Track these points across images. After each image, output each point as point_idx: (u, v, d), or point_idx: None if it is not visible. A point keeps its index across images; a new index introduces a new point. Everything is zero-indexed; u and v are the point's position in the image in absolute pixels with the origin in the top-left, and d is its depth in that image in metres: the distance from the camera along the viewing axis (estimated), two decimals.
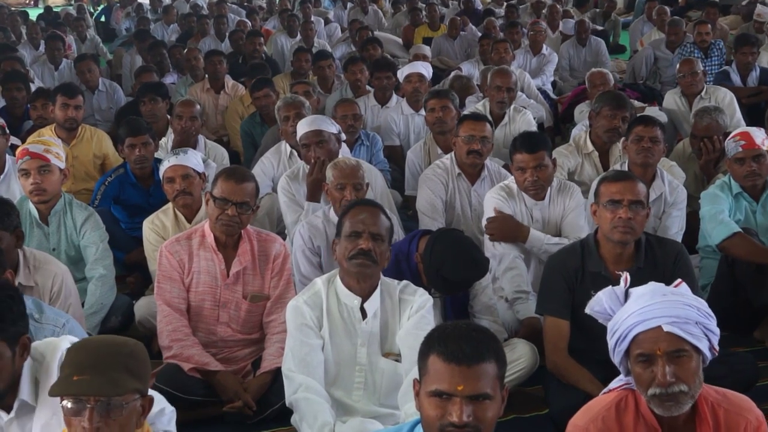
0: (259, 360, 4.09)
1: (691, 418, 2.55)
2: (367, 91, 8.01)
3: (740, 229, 4.58)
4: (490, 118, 5.64)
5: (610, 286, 2.67)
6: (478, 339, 2.33)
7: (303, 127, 5.31)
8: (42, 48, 11.68)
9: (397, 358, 3.50)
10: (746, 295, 4.51)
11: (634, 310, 2.54)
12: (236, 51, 11.05)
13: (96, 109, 8.75)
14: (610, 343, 2.61)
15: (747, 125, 6.70)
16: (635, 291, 2.61)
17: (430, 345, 2.36)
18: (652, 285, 2.61)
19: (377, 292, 3.53)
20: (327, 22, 14.14)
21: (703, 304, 2.56)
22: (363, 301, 3.51)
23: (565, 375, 3.72)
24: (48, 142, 4.93)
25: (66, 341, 2.78)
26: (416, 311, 3.50)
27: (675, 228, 4.89)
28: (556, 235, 4.74)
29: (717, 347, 2.56)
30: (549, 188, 4.77)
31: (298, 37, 11.55)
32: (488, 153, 5.32)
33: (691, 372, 2.48)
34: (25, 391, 2.72)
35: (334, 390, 3.51)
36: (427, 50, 9.68)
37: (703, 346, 2.51)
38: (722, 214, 4.66)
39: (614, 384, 2.66)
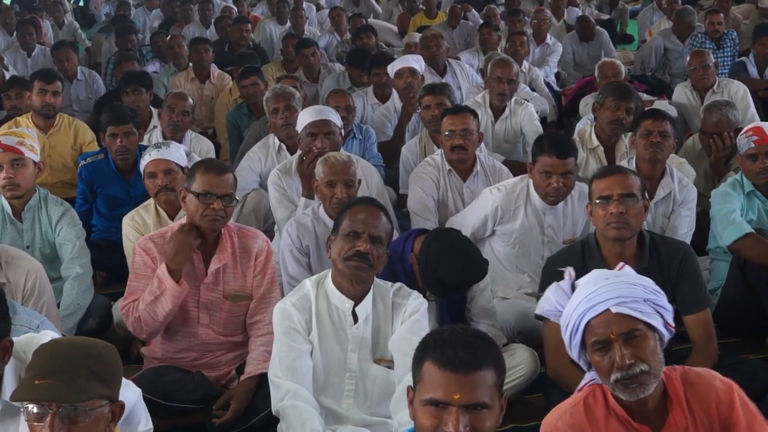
0: (244, 365, 4.08)
1: (662, 405, 2.61)
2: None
3: (753, 230, 4.58)
4: (474, 109, 5.62)
5: (555, 282, 2.74)
6: (476, 345, 2.33)
7: (310, 115, 5.27)
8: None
9: (389, 364, 3.50)
10: (759, 299, 4.52)
11: (580, 298, 2.62)
12: (222, 38, 11.01)
13: (74, 99, 8.72)
14: (565, 338, 2.68)
15: (763, 119, 6.74)
16: (579, 282, 2.69)
17: (424, 351, 2.35)
18: (595, 272, 2.69)
19: (369, 296, 3.52)
20: (319, 8, 14.13)
21: (648, 281, 2.64)
22: (355, 305, 3.50)
23: (566, 382, 3.70)
24: (22, 133, 4.90)
25: (48, 337, 2.76)
26: (410, 315, 3.49)
27: (684, 228, 4.90)
28: (566, 240, 4.70)
29: (672, 324, 2.64)
30: None
31: (288, 24, 11.53)
32: (475, 145, 5.30)
33: (649, 351, 2.55)
34: (8, 393, 2.68)
35: (323, 398, 3.51)
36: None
37: (657, 323, 2.59)
38: (734, 213, 4.67)
39: (583, 382, 2.72)
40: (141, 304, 3.94)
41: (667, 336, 2.64)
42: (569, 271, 2.75)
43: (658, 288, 2.65)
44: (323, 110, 5.38)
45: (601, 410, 2.62)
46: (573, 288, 2.70)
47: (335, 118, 5.30)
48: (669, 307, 2.63)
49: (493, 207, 4.76)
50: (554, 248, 4.71)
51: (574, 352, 2.68)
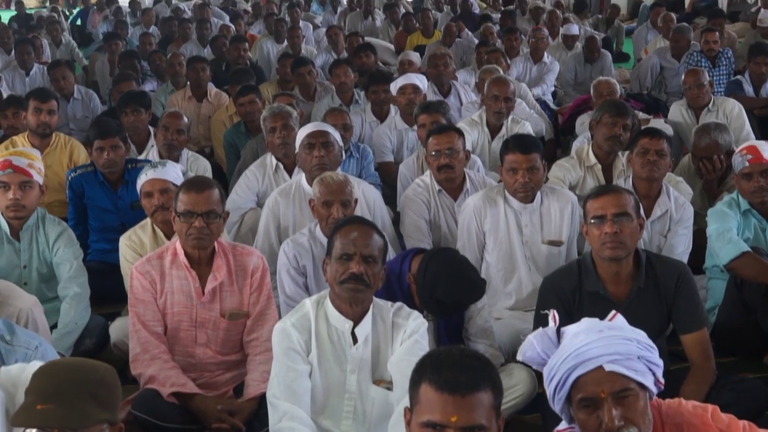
0: (242, 385, 4.07)
1: None
2: (353, 95, 8.10)
3: (749, 249, 4.58)
4: (459, 127, 5.65)
5: (540, 328, 2.55)
6: (473, 366, 2.32)
7: (307, 129, 5.31)
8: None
9: (388, 385, 3.48)
10: (756, 318, 4.52)
11: (570, 351, 2.43)
12: (219, 57, 11.03)
13: (71, 117, 8.74)
14: (549, 390, 2.49)
15: (759, 137, 6.74)
16: (568, 330, 2.50)
17: (421, 373, 2.35)
18: (586, 321, 2.51)
19: (369, 316, 3.50)
20: (315, 27, 14.17)
21: (642, 335, 2.49)
22: (354, 325, 3.49)
23: None
24: (30, 155, 4.91)
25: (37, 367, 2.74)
26: (409, 336, 3.47)
27: (681, 247, 4.90)
28: (549, 240, 4.76)
29: (662, 380, 2.49)
30: (539, 192, 4.81)
31: (285, 42, 11.57)
32: (462, 163, 5.29)
33: (640, 412, 2.39)
34: None
35: (322, 419, 3.50)
36: (414, 56, 9.68)
37: (649, 382, 2.44)
38: (730, 232, 4.67)
39: (562, 427, 2.58)
40: (154, 371, 3.96)
41: (655, 393, 2.49)
42: (553, 314, 2.56)
43: (651, 342, 2.50)
44: (321, 124, 5.44)
45: None
46: (559, 334, 2.52)
47: (334, 132, 5.33)
48: (660, 363, 2.49)
49: (474, 208, 4.83)
50: (534, 249, 4.81)
51: (557, 406, 2.51)
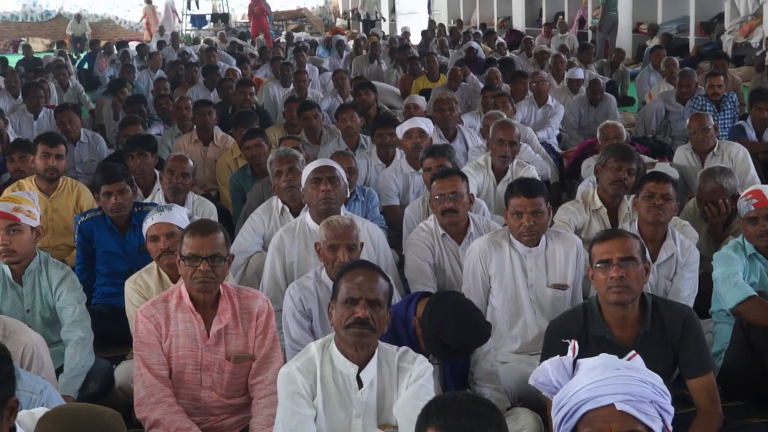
0: (247, 429, 4.06)
1: None
2: (359, 140, 8.15)
3: (755, 293, 4.59)
4: (462, 171, 5.71)
5: (558, 356, 2.56)
6: (479, 412, 2.34)
7: (313, 165, 5.36)
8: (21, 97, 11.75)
9: (394, 430, 3.48)
10: (762, 362, 4.51)
11: (583, 384, 2.44)
12: (225, 101, 11.12)
13: (77, 161, 8.78)
14: (555, 419, 2.49)
15: (764, 182, 6.76)
16: (585, 363, 2.50)
17: (427, 418, 2.36)
18: (604, 357, 2.51)
19: (374, 360, 3.51)
20: (321, 71, 14.28)
21: (658, 380, 2.48)
22: (359, 369, 3.49)
23: None
24: (19, 199, 4.91)
25: None
26: (415, 380, 3.48)
27: (687, 290, 4.91)
28: (555, 284, 4.77)
29: (671, 428, 2.48)
30: (543, 235, 4.83)
31: (291, 86, 11.65)
32: (466, 207, 5.32)
33: None
34: None
35: None
36: (420, 100, 9.75)
37: (657, 428, 2.42)
38: (736, 276, 4.68)
39: None
40: (159, 415, 3.94)
41: None
42: (573, 345, 2.56)
43: (666, 389, 2.49)
44: (327, 160, 5.51)
45: None
46: (575, 365, 2.53)
47: (340, 168, 5.37)
48: (671, 410, 2.48)
49: (479, 251, 4.85)
50: (539, 293, 4.82)
51: None
